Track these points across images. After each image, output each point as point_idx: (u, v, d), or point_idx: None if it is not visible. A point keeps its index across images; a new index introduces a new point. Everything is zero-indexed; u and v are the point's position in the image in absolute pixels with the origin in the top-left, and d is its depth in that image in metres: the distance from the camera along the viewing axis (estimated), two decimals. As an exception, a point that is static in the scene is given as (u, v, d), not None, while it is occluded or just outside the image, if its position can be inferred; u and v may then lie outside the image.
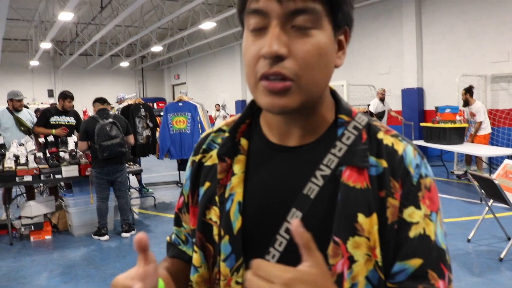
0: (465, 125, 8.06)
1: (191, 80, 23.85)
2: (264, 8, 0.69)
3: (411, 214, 0.73)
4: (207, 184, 0.84)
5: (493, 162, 8.71)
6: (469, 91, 8.27)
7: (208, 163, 0.86)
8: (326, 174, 0.74)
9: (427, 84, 11.41)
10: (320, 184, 0.74)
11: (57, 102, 6.29)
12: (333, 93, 0.83)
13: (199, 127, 6.99)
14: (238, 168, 0.81)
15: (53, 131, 6.01)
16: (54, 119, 6.12)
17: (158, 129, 7.38)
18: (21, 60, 21.77)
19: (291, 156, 0.79)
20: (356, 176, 0.73)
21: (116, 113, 6.61)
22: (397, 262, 0.72)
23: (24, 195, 6.19)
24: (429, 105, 11.27)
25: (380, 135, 0.78)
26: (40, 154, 5.64)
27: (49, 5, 14.57)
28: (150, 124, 7.29)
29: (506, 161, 4.93)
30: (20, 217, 5.57)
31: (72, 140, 5.98)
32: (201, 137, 0.94)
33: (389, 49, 12.14)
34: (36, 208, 5.50)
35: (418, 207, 0.73)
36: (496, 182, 4.38)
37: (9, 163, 5.27)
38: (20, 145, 5.78)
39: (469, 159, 8.46)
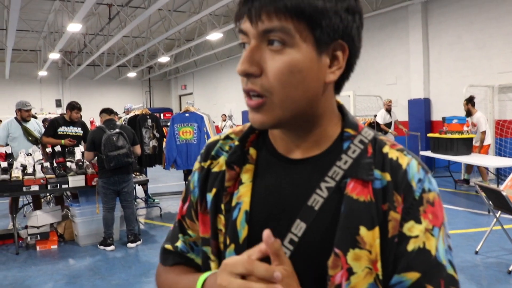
0: (473, 135, 8.02)
1: (198, 90, 23.96)
2: (244, 29, 0.73)
3: (411, 228, 0.73)
4: (214, 190, 0.85)
5: (501, 173, 8.64)
6: (470, 101, 8.26)
7: (216, 169, 0.87)
8: (331, 186, 0.75)
9: (434, 94, 11.38)
10: (324, 196, 0.75)
11: (65, 112, 6.34)
12: (340, 108, 0.84)
13: (206, 137, 7.00)
14: (246, 177, 0.82)
15: (62, 141, 6.05)
16: (61, 130, 6.16)
17: (164, 139, 7.40)
18: (30, 70, 22.03)
19: (297, 167, 0.80)
20: (360, 188, 0.73)
21: (123, 123, 6.64)
22: (395, 275, 0.72)
23: (31, 204, 6.21)
24: (436, 116, 11.23)
25: (386, 149, 0.78)
26: (47, 164, 5.67)
27: (58, 17, 14.75)
28: (157, 135, 7.32)
29: (514, 172, 4.90)
30: (26, 227, 5.58)
31: (79, 150, 6.02)
32: (208, 142, 0.94)
33: (395, 60, 12.14)
34: (42, 218, 5.52)
35: (418, 221, 0.73)
36: (504, 193, 4.35)
37: (16, 173, 5.30)
38: (27, 155, 5.82)
39: (470, 168, 8.43)
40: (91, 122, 11.38)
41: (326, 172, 0.76)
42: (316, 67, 0.73)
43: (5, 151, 6.07)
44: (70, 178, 5.49)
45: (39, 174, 5.41)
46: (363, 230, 0.71)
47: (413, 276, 0.72)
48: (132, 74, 23.16)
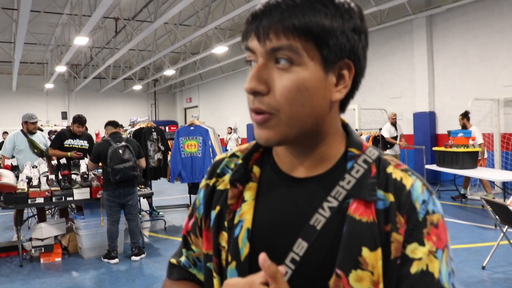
0: (478, 149, 7.99)
1: (203, 103, 24.05)
2: (252, 47, 0.74)
3: (414, 250, 0.72)
4: (217, 208, 0.85)
5: (508, 187, 8.58)
6: (465, 115, 8.37)
7: (221, 187, 0.87)
8: (334, 206, 0.75)
9: (439, 108, 11.36)
10: (327, 216, 0.74)
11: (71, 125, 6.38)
12: (345, 127, 0.84)
13: (210, 151, 7.00)
14: (249, 195, 0.82)
15: (69, 153, 6.08)
16: (68, 142, 6.20)
17: (169, 152, 7.41)
18: (36, 83, 22.23)
19: (300, 186, 0.79)
20: (363, 209, 0.73)
21: (129, 136, 6.66)
22: None
23: (36, 216, 6.21)
24: (441, 129, 11.21)
25: (390, 169, 0.77)
26: (52, 177, 5.69)
27: (65, 30, 14.92)
28: (162, 148, 7.33)
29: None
30: (30, 239, 5.58)
31: (84, 163, 6.03)
32: (215, 160, 0.95)
33: (400, 73, 12.16)
34: (47, 230, 5.52)
35: (422, 243, 0.72)
36: (511, 208, 4.31)
37: (21, 185, 5.32)
38: (33, 167, 5.84)
39: (467, 182, 8.41)
40: (97, 135, 11.41)
41: (329, 192, 0.76)
42: (323, 85, 0.73)
43: (11, 163, 6.10)
44: (75, 191, 5.50)
45: (44, 186, 5.43)
46: (365, 251, 0.71)
47: None
48: (137, 87, 23.30)
